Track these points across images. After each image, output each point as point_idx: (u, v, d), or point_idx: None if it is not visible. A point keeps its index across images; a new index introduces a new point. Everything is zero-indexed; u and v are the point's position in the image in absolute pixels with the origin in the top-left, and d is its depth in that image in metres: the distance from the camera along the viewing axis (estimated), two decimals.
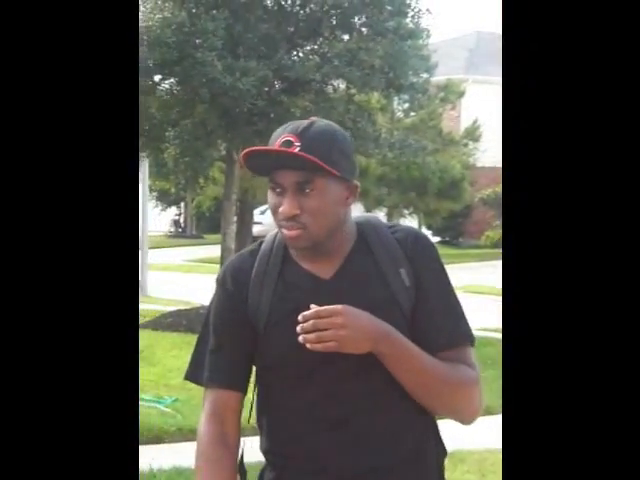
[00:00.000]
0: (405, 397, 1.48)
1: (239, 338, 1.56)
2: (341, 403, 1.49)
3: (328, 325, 1.40)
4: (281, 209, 1.48)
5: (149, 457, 4.80)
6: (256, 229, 16.53)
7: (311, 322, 1.40)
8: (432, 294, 1.51)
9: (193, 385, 6.33)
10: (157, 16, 8.71)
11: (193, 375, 1.63)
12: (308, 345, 1.40)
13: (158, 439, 5.32)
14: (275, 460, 1.57)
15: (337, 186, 1.49)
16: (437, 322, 1.51)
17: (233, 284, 1.57)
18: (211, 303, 1.61)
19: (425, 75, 10.26)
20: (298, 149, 1.45)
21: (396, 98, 10.06)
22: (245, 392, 1.59)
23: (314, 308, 1.41)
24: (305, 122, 1.51)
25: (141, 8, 8.87)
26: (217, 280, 1.61)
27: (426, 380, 1.47)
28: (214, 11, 8.85)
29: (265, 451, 1.59)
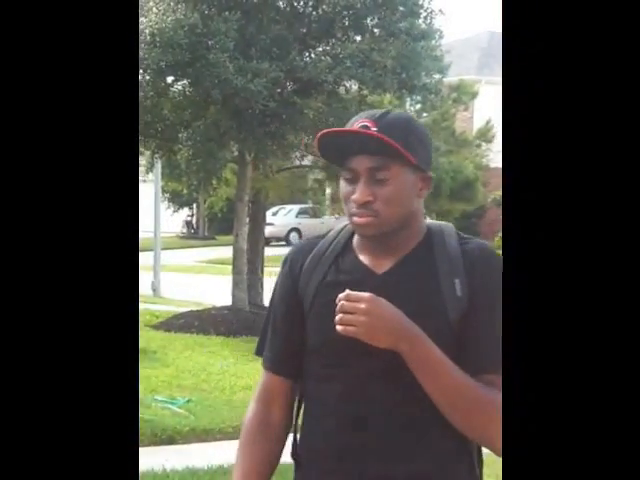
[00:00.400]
0: (436, 414, 1.43)
1: (290, 321, 1.55)
2: (369, 402, 1.45)
3: (351, 309, 1.39)
4: (354, 196, 1.45)
5: (162, 458, 4.81)
6: (268, 230, 16.53)
7: (340, 303, 1.39)
8: (482, 312, 1.44)
9: (206, 386, 6.40)
10: (170, 18, 8.74)
11: (258, 352, 1.64)
12: (338, 327, 1.39)
13: (171, 440, 5.34)
14: (304, 455, 1.55)
15: (412, 175, 1.46)
16: (481, 343, 1.44)
17: (290, 265, 1.57)
18: (276, 284, 1.61)
19: (438, 76, 10.23)
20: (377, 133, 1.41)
21: (409, 99, 10.06)
22: (294, 379, 1.57)
23: (346, 291, 1.40)
24: (382, 110, 1.49)
25: (154, 10, 8.90)
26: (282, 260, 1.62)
27: (451, 393, 1.41)
28: (226, 13, 8.86)
29: (298, 445, 1.57)
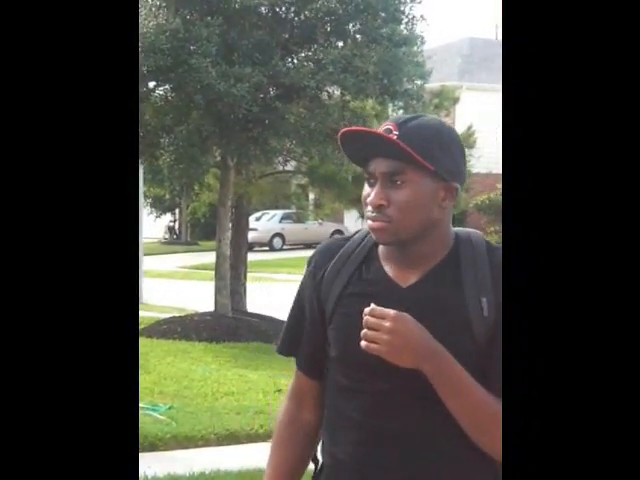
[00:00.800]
0: (459, 430, 1.40)
1: (314, 325, 1.52)
2: (391, 418, 1.43)
3: (375, 326, 1.36)
4: (368, 199, 1.42)
5: (144, 465, 4.78)
6: (251, 235, 16.49)
7: (365, 318, 1.37)
8: None
9: (188, 392, 6.37)
10: (151, 23, 8.72)
11: (279, 348, 1.62)
12: (362, 343, 1.37)
13: (153, 447, 5.30)
14: (326, 460, 1.53)
15: (432, 183, 1.42)
16: None
17: (315, 264, 1.54)
18: (301, 283, 1.58)
19: (419, 82, 10.26)
20: (395, 138, 1.40)
21: (391, 105, 10.06)
22: (322, 380, 1.54)
23: (371, 306, 1.37)
24: (410, 115, 1.46)
25: None
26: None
27: (473, 412, 1.39)
28: (208, 17, 8.85)
29: (322, 448, 1.55)
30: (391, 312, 1.36)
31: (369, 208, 1.43)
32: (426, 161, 1.40)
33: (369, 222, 1.44)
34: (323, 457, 1.54)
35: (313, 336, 1.53)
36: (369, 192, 1.43)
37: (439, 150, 1.42)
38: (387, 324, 1.35)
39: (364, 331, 1.37)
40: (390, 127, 1.41)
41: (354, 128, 1.43)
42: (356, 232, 1.56)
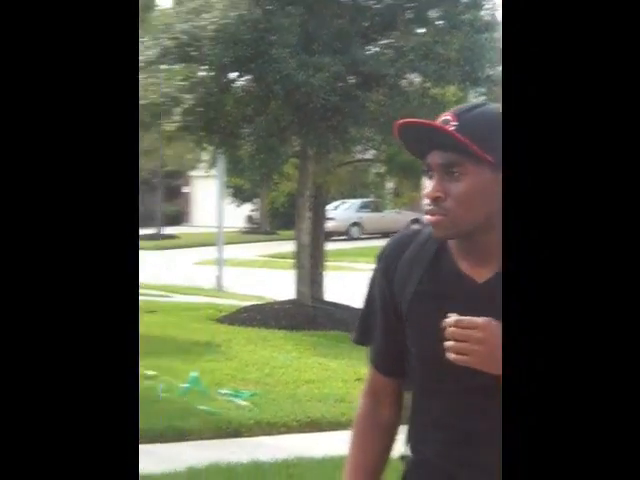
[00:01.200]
0: None
1: (388, 322, 1.50)
2: (475, 417, 1.41)
3: (466, 338, 1.32)
4: (425, 192, 1.39)
5: (228, 451, 4.86)
6: (329, 225, 16.56)
7: (450, 330, 1.32)
8: None
9: (270, 379, 6.40)
10: (232, 13, 8.82)
11: (355, 339, 1.61)
12: (451, 356, 1.33)
13: (237, 433, 5.39)
14: (413, 458, 1.52)
15: (492, 175, 1.36)
16: None
17: (385, 260, 1.51)
18: (372, 279, 1.55)
19: (501, 67, 10.08)
20: (453, 128, 1.36)
21: (472, 91, 9.91)
22: (397, 376, 1.53)
23: (453, 316, 1.33)
24: (472, 104, 1.42)
25: (217, 6, 8.99)
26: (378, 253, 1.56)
27: None
28: (289, 7, 8.90)
29: (409, 445, 1.54)
30: (480, 321, 1.32)
31: (427, 201, 1.39)
32: (486, 152, 1.35)
33: (427, 216, 1.40)
34: (411, 454, 1.52)
35: (386, 334, 1.51)
36: (426, 185, 1.40)
37: (500, 141, 1.35)
38: (478, 335, 1.31)
39: (450, 343, 1.33)
40: (449, 118, 1.38)
41: (409, 120, 1.39)
42: (425, 225, 1.51)
